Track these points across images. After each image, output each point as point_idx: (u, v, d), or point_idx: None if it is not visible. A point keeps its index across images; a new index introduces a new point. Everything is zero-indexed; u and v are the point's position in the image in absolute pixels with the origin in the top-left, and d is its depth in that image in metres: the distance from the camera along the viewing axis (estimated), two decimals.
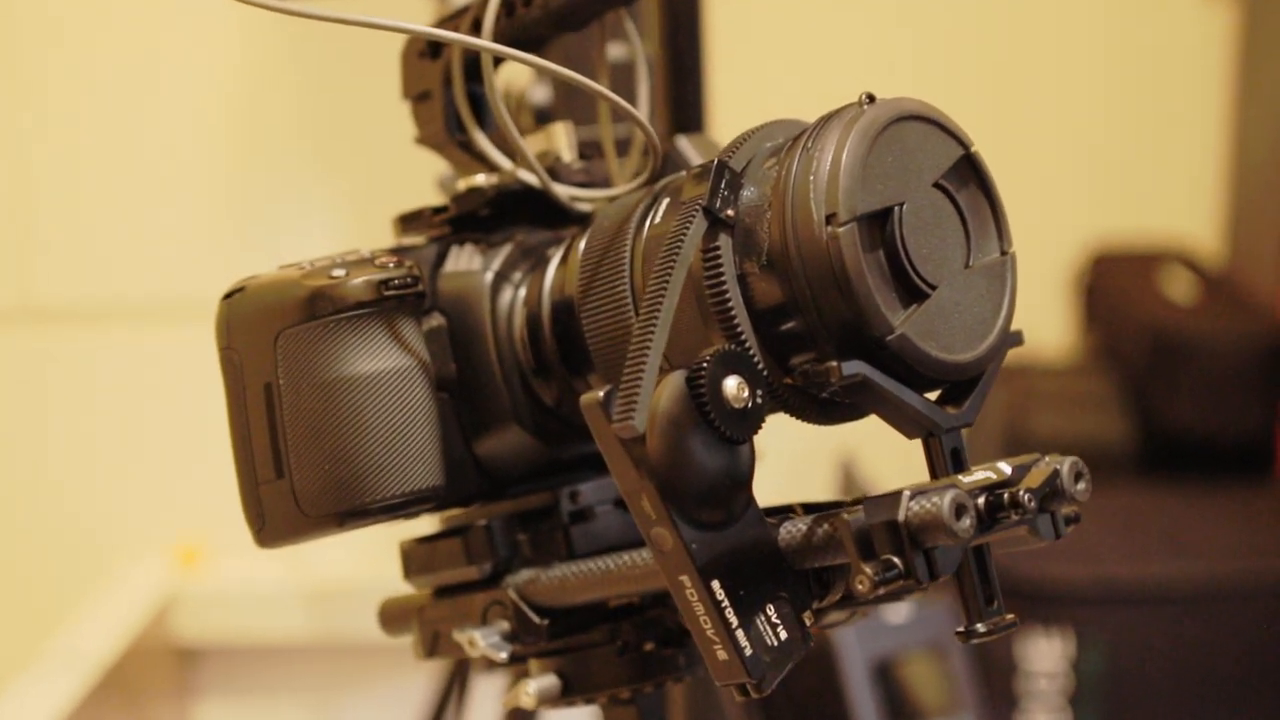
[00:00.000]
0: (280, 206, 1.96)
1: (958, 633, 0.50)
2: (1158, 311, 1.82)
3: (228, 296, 0.58)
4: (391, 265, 0.57)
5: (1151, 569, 1.57)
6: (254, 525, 0.58)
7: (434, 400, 0.58)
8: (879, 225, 0.48)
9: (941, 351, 0.49)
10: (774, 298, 0.49)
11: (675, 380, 0.47)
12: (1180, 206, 2.05)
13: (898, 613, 1.28)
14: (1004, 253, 0.52)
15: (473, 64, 0.63)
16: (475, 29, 0.60)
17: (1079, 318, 2.03)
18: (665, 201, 0.54)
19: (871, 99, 0.50)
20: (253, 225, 1.96)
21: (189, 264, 1.93)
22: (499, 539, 0.61)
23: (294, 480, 0.56)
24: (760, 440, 0.49)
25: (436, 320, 0.60)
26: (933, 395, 0.50)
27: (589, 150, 0.64)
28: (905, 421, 0.50)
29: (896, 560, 0.46)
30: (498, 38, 0.58)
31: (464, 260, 0.61)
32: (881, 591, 0.47)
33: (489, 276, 0.60)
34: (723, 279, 0.49)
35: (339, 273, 0.56)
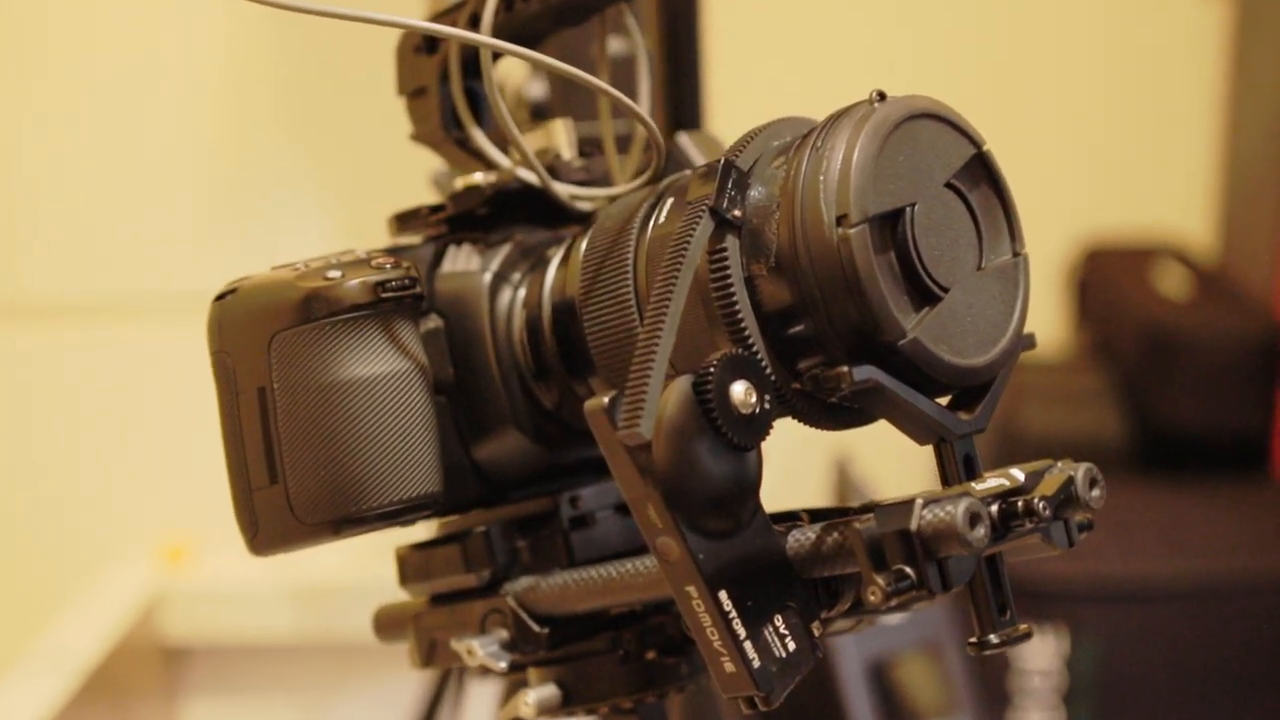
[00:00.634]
0: (269, 203, 1.94)
1: (970, 644, 0.49)
2: (1152, 307, 1.81)
3: (220, 298, 0.57)
4: (388, 266, 0.55)
5: (1146, 566, 1.57)
6: (247, 532, 0.56)
7: (432, 404, 0.57)
8: (890, 226, 0.47)
9: (954, 356, 0.47)
10: (782, 300, 0.47)
11: (681, 386, 0.45)
12: (1174, 201, 2.04)
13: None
14: (1016, 254, 0.51)
15: (470, 59, 0.61)
16: (473, 24, 0.59)
17: (1073, 313, 2.02)
18: (669, 201, 0.53)
19: (882, 96, 0.48)
20: (241, 222, 1.94)
21: (174, 261, 1.92)
22: (497, 546, 0.59)
23: (288, 486, 0.54)
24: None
25: (434, 322, 0.58)
26: (943, 400, 0.49)
27: (588, 147, 0.63)
28: (916, 427, 0.48)
29: (909, 570, 0.45)
30: (496, 32, 0.57)
31: (462, 260, 0.59)
32: (894, 603, 0.46)
33: (487, 277, 0.59)
34: (730, 281, 0.48)
35: (334, 274, 0.55)
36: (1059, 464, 0.50)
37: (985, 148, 0.50)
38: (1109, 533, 1.60)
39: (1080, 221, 2.02)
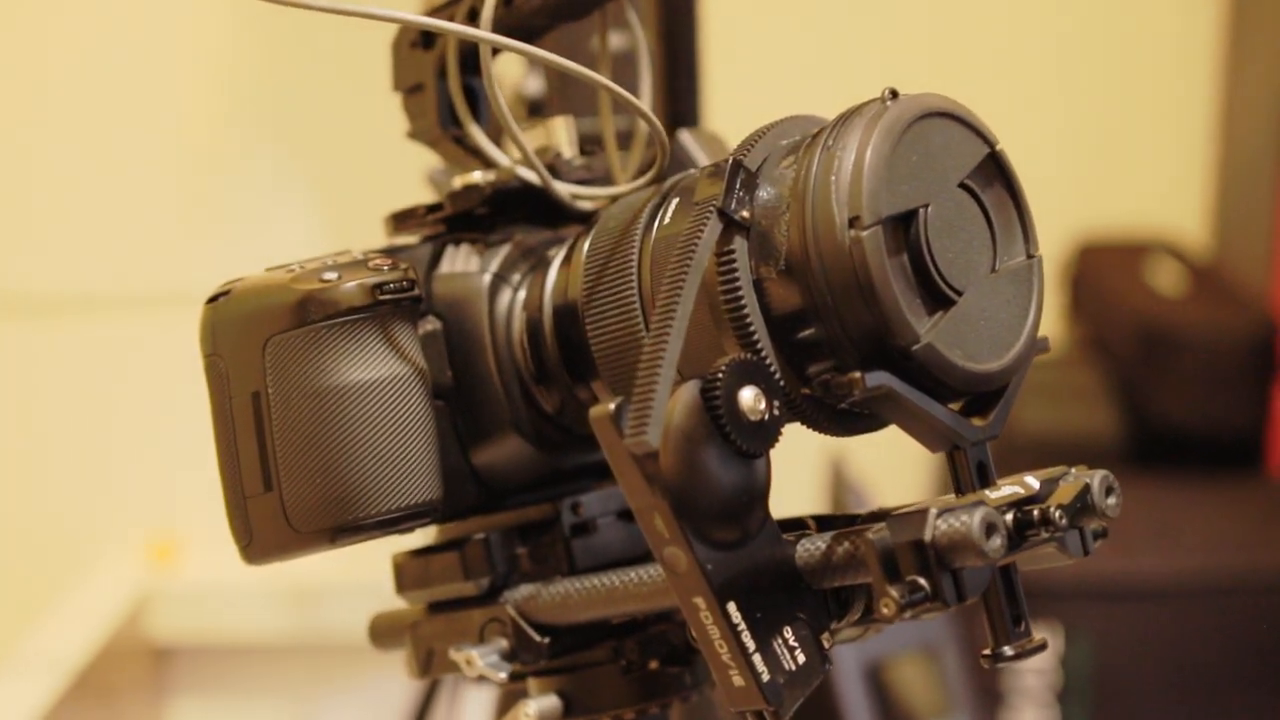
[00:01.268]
0: (257, 198, 1.93)
1: (984, 656, 0.48)
2: (1146, 303, 1.81)
3: (212, 300, 0.55)
4: (386, 268, 0.54)
5: (1140, 564, 1.56)
6: (240, 540, 0.55)
7: (431, 409, 0.55)
8: (903, 228, 0.46)
9: (968, 361, 0.46)
10: (792, 304, 0.46)
11: (689, 392, 0.44)
12: (1168, 197, 2.04)
13: None
14: (1030, 256, 0.50)
15: (468, 55, 0.60)
16: (471, 19, 0.57)
17: (1066, 309, 2.02)
18: (675, 201, 0.51)
19: (895, 95, 0.47)
20: (227, 217, 1.93)
21: (158, 256, 1.91)
22: (497, 553, 0.58)
23: (283, 494, 0.53)
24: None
25: (432, 324, 0.57)
26: (955, 406, 0.48)
27: (588, 145, 0.61)
28: (929, 434, 0.47)
29: (923, 582, 0.44)
30: (495, 27, 0.55)
31: (460, 261, 0.58)
32: (907, 615, 0.45)
33: (487, 278, 0.57)
34: (738, 284, 0.47)
35: (331, 276, 0.53)
36: (1073, 470, 0.50)
37: (998, 147, 0.49)
38: None
39: (1074, 217, 2.01)
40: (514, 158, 0.59)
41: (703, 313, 0.47)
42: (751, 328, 0.47)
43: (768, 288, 0.47)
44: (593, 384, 0.55)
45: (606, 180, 0.61)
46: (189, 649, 1.87)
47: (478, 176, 0.59)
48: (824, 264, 0.45)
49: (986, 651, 0.48)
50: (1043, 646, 0.48)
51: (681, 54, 0.82)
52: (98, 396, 1.92)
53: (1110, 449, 1.76)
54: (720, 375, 0.44)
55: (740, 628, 0.45)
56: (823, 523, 0.52)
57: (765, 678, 0.45)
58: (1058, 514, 0.46)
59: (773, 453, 0.46)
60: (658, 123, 0.54)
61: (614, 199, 0.58)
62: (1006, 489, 0.47)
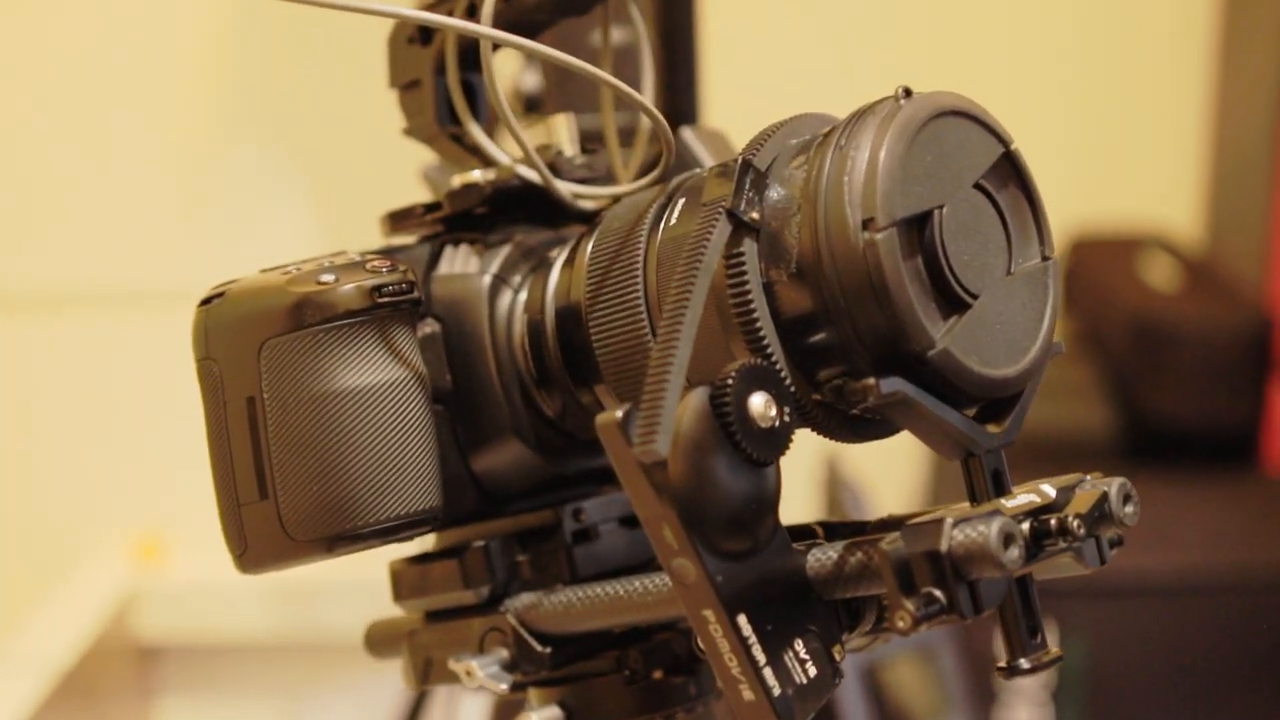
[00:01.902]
0: (248, 194, 1.91)
1: (999, 669, 0.47)
2: (1140, 299, 1.80)
3: (205, 302, 0.54)
4: (385, 269, 0.53)
5: (1135, 561, 1.55)
6: (235, 549, 0.54)
7: (431, 415, 0.54)
8: (918, 230, 0.45)
9: (983, 366, 0.45)
10: (803, 308, 0.45)
11: (698, 399, 0.43)
12: (1161, 191, 2.03)
13: None
14: (1046, 258, 0.48)
15: (467, 51, 0.58)
16: (470, 14, 0.56)
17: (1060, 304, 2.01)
18: (681, 201, 0.50)
19: (908, 93, 0.46)
20: (217, 213, 1.91)
21: (146, 252, 1.89)
22: (497, 561, 0.57)
23: (279, 502, 0.52)
24: None
25: (430, 327, 0.56)
26: (969, 411, 0.47)
27: (589, 143, 0.60)
28: (943, 442, 0.46)
29: (938, 593, 0.43)
30: (495, 23, 0.54)
31: (460, 262, 0.57)
32: (923, 628, 0.44)
33: (487, 279, 0.56)
34: (747, 287, 0.46)
35: (328, 278, 0.52)
36: (1088, 477, 0.49)
37: (1013, 146, 0.48)
38: None
39: (1067, 212, 2.00)
40: (514, 156, 0.58)
41: (710, 316, 0.46)
42: (761, 332, 0.46)
43: (778, 291, 0.46)
44: (596, 388, 0.54)
45: (608, 179, 0.60)
46: (176, 648, 1.86)
47: (477, 175, 0.57)
48: (837, 267, 0.44)
49: (1002, 664, 0.47)
50: (1059, 659, 0.47)
51: (679, 50, 0.81)
52: (82, 395, 1.91)
53: (1103, 445, 1.75)
54: (730, 381, 0.43)
55: (751, 641, 0.44)
56: (830, 530, 0.51)
57: (776, 692, 0.44)
58: (1076, 523, 0.45)
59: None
60: (663, 120, 0.53)
61: (617, 198, 0.57)
62: (1022, 497, 0.46)
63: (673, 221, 0.50)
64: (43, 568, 1.85)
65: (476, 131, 0.58)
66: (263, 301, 0.52)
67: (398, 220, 0.60)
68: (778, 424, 0.44)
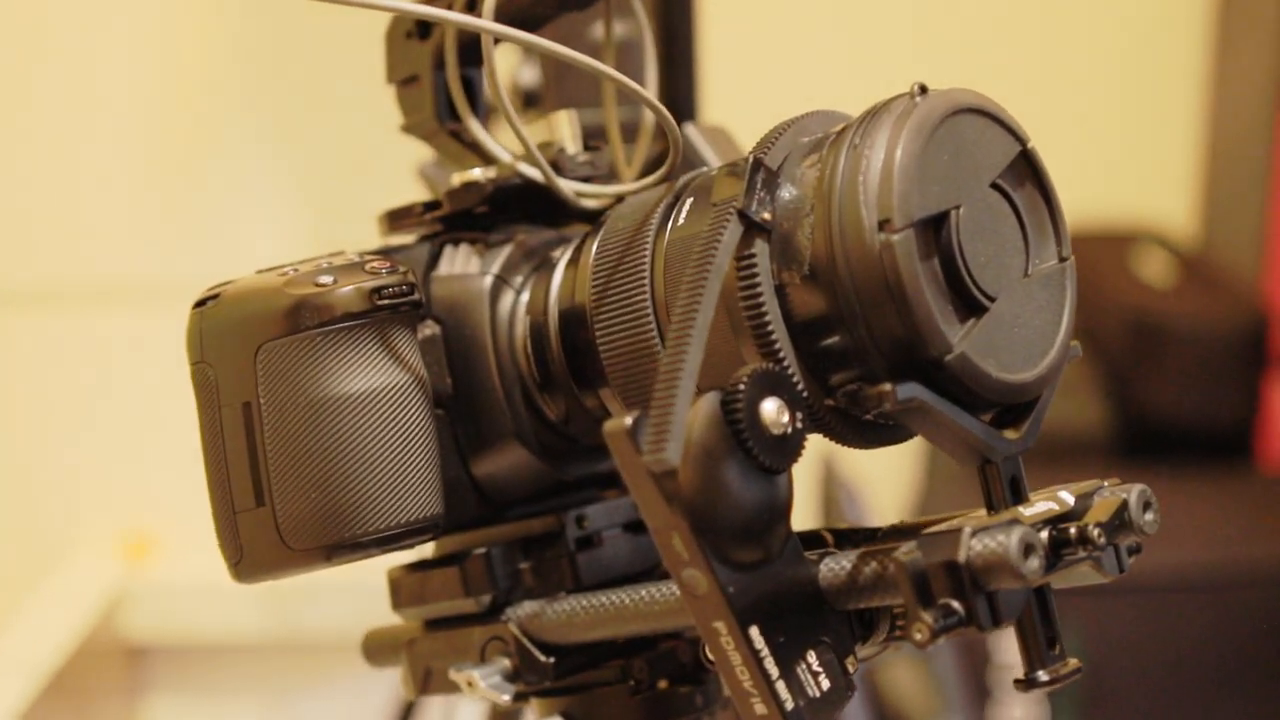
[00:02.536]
0: (237, 189, 1.89)
1: (1016, 682, 0.46)
2: (1134, 294, 1.79)
3: (199, 305, 0.52)
4: (384, 271, 0.51)
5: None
6: (230, 557, 0.52)
7: (432, 420, 0.52)
8: (934, 231, 0.43)
9: (1001, 371, 0.44)
10: (816, 311, 0.44)
11: (709, 405, 0.42)
12: (1155, 186, 2.02)
13: None
14: (1063, 259, 0.47)
15: (466, 45, 0.57)
16: (470, 7, 0.55)
17: None
18: (689, 201, 0.49)
19: (924, 90, 0.45)
20: (210, 211, 1.89)
21: (137, 250, 1.87)
22: (499, 568, 0.55)
23: (276, 509, 0.50)
24: None
25: (430, 329, 0.55)
26: (985, 416, 0.46)
27: (591, 140, 0.59)
28: (959, 448, 0.45)
29: (956, 605, 0.42)
30: (496, 17, 0.52)
31: (460, 262, 0.55)
32: (940, 640, 0.42)
33: (488, 280, 0.55)
34: (759, 290, 0.44)
35: (326, 279, 0.50)
36: (1106, 484, 0.48)
37: (1030, 144, 0.47)
38: None
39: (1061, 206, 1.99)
40: (514, 153, 0.56)
41: (721, 319, 0.45)
42: (773, 336, 0.44)
43: (790, 293, 0.44)
44: (600, 392, 0.53)
45: (611, 177, 0.58)
46: (164, 648, 1.85)
47: (477, 173, 0.56)
48: (851, 269, 0.43)
49: (1019, 677, 0.45)
50: (1078, 671, 0.46)
51: (678, 46, 0.80)
52: (70, 393, 1.90)
53: (1099, 441, 1.74)
54: (741, 387, 0.42)
55: (763, 653, 0.43)
56: (840, 537, 0.49)
57: (790, 706, 0.43)
58: (1096, 532, 0.44)
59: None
60: (669, 117, 0.52)
61: (621, 197, 0.56)
62: (1040, 505, 0.45)
63: (681, 221, 0.49)
64: (30, 567, 1.84)
65: (477, 128, 0.57)
66: (259, 304, 0.51)
67: (396, 219, 0.58)
68: (790, 430, 0.43)
